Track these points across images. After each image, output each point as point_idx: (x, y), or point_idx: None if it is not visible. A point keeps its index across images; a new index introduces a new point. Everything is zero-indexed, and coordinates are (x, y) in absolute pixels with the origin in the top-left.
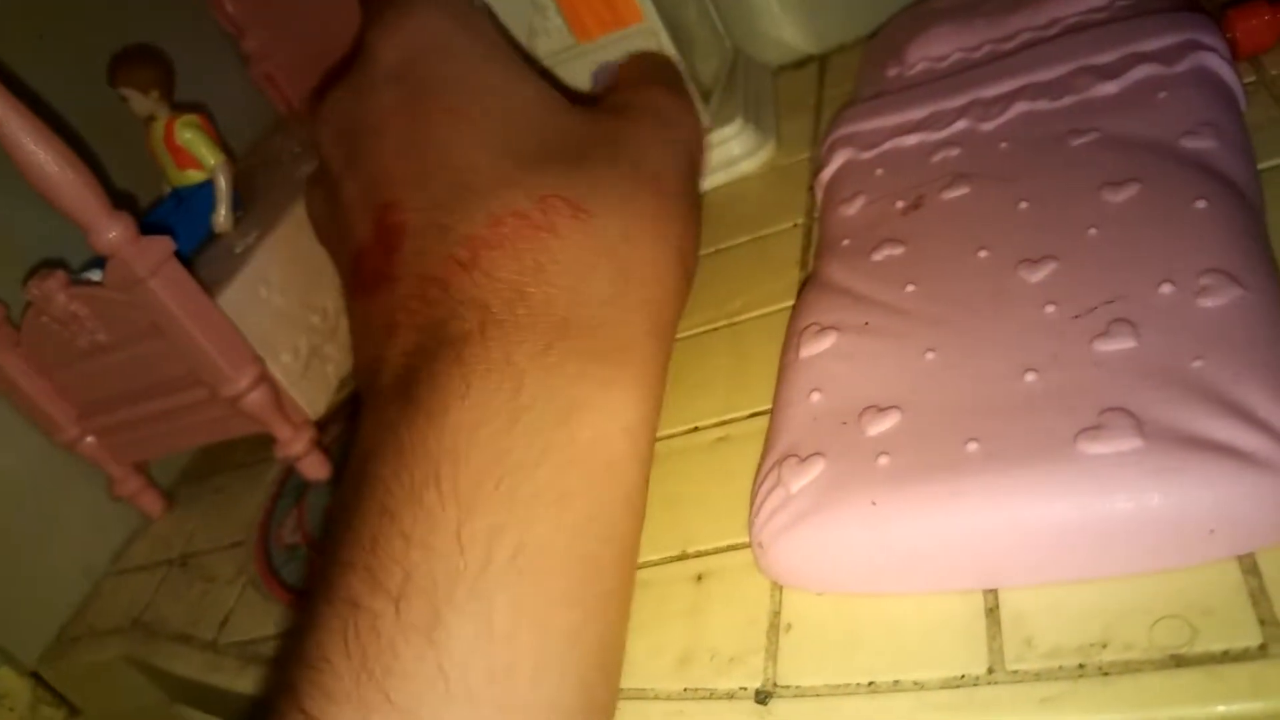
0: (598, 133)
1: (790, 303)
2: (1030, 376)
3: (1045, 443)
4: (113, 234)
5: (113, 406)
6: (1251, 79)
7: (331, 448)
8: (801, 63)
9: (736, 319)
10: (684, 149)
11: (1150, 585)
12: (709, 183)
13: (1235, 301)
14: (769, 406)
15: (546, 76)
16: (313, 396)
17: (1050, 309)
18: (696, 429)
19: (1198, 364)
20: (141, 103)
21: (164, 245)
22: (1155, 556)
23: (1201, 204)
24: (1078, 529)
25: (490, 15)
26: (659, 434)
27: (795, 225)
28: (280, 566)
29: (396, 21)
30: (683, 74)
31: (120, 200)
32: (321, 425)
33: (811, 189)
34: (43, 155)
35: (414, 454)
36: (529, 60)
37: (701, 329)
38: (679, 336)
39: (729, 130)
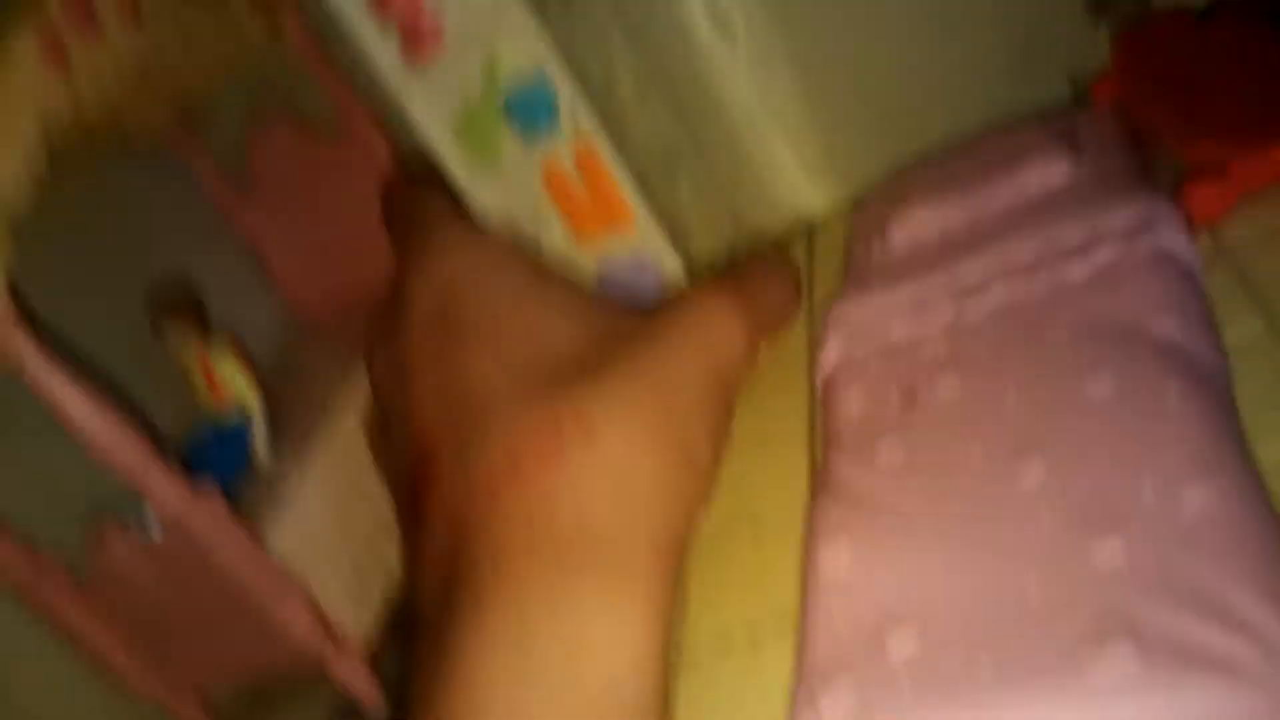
0: (620, 347)
1: (803, 495)
2: (1032, 588)
3: (1050, 665)
4: (170, 495)
5: (166, 640)
6: (1209, 246)
7: (382, 669)
8: (794, 230)
9: (753, 512)
10: (716, 357)
11: None
12: None
13: (1213, 500)
14: (795, 611)
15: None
16: (361, 620)
17: (1044, 515)
18: (723, 638)
19: (1187, 570)
20: (177, 337)
21: (216, 500)
22: None
23: (1174, 397)
24: None
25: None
26: (683, 644)
27: (798, 411)
28: None
29: (429, 265)
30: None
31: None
32: (372, 648)
33: (811, 370)
34: (97, 425)
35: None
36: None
37: (720, 526)
38: (702, 539)
39: None
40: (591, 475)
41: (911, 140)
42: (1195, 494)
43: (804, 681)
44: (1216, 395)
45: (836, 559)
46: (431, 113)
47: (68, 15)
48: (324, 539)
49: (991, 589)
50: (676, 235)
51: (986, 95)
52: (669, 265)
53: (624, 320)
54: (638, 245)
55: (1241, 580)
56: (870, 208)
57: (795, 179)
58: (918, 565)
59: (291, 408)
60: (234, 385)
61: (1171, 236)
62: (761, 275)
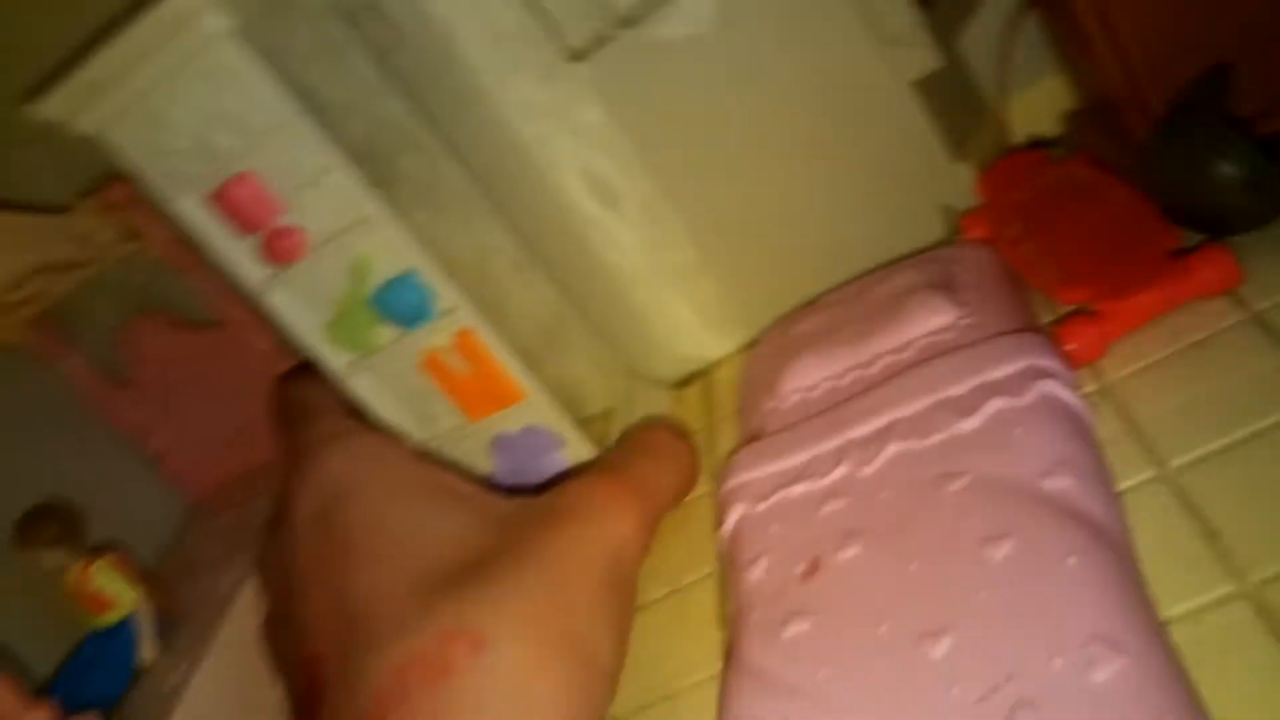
0: (509, 545)
1: (717, 668)
2: None
3: None
4: None
5: None
6: (1093, 388)
7: None
8: (688, 379)
9: (669, 690)
10: (609, 548)
11: None
12: None
13: (1121, 672)
14: None
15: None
16: None
17: (955, 691)
18: None
19: None
20: (50, 558)
21: None
22: None
23: (1072, 560)
24: None
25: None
26: None
27: (709, 574)
28: None
29: (309, 473)
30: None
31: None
32: None
33: (717, 528)
34: None
35: None
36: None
37: (637, 704)
38: (618, 716)
39: None
40: (483, 691)
41: (804, 282)
42: (1103, 667)
43: None
44: (1116, 552)
45: None
46: (298, 313)
47: None
48: None
49: None
50: (571, 401)
51: (867, 236)
52: (565, 433)
53: (515, 513)
54: (531, 418)
55: None
56: (759, 356)
57: (691, 331)
58: None
59: (189, 610)
60: (114, 594)
61: (1057, 386)
62: (651, 452)
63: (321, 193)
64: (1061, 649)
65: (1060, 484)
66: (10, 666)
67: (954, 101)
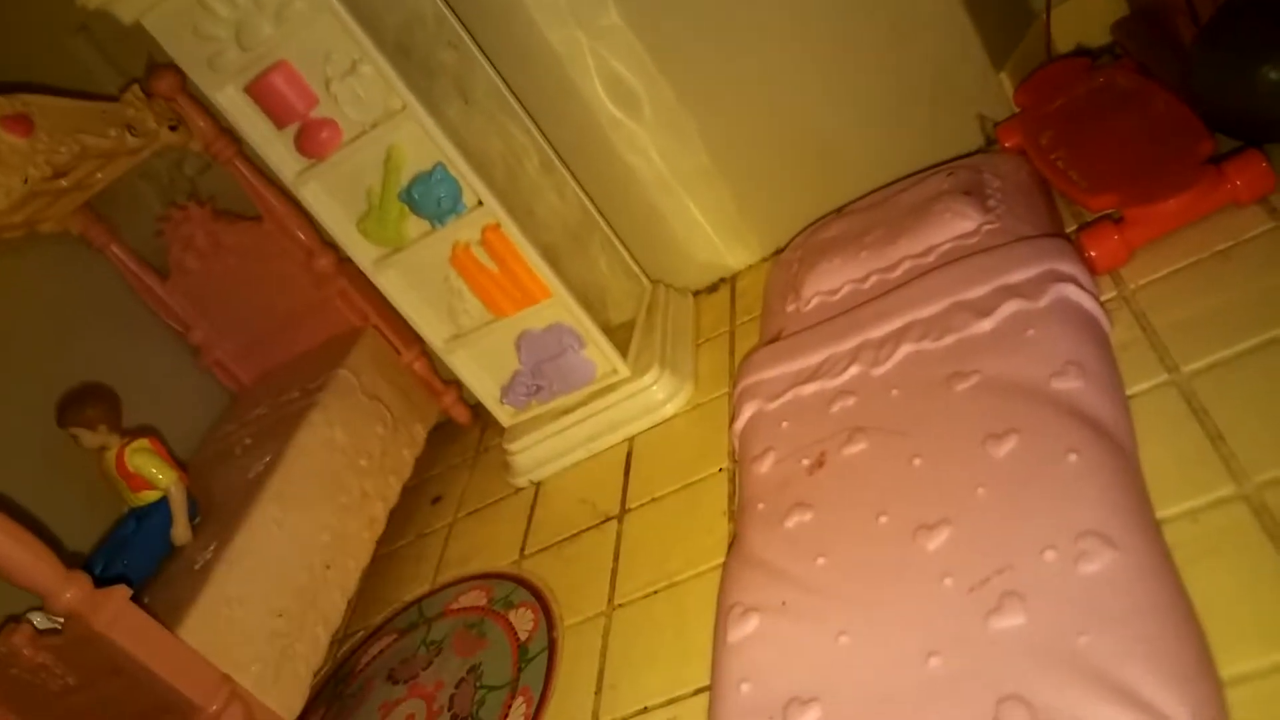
0: None
1: (722, 559)
2: (934, 661)
3: None
4: (68, 596)
5: None
6: (1112, 294)
7: None
8: (714, 285)
9: (675, 579)
10: None
11: None
12: (635, 428)
13: (1112, 566)
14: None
15: None
16: (287, 699)
17: (948, 581)
18: (646, 710)
19: (1083, 640)
20: (90, 438)
21: (118, 597)
22: None
23: (1073, 457)
24: None
25: None
26: (613, 715)
27: (720, 470)
28: None
29: None
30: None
31: (77, 528)
32: None
33: (730, 429)
34: None
35: None
36: None
37: (644, 592)
38: (623, 602)
39: (648, 378)
40: None
41: (829, 194)
42: (1093, 560)
43: None
44: (1118, 452)
45: (742, 627)
46: (332, 206)
47: None
48: (246, 622)
49: (895, 664)
50: (595, 304)
51: (898, 146)
52: (589, 333)
53: None
54: (556, 316)
55: (1144, 658)
56: (785, 262)
57: (711, 239)
58: (822, 642)
59: (220, 494)
60: (149, 474)
61: (1075, 290)
62: None
63: (356, 83)
64: (1054, 542)
65: (1069, 384)
66: (50, 542)
67: (1001, 8)
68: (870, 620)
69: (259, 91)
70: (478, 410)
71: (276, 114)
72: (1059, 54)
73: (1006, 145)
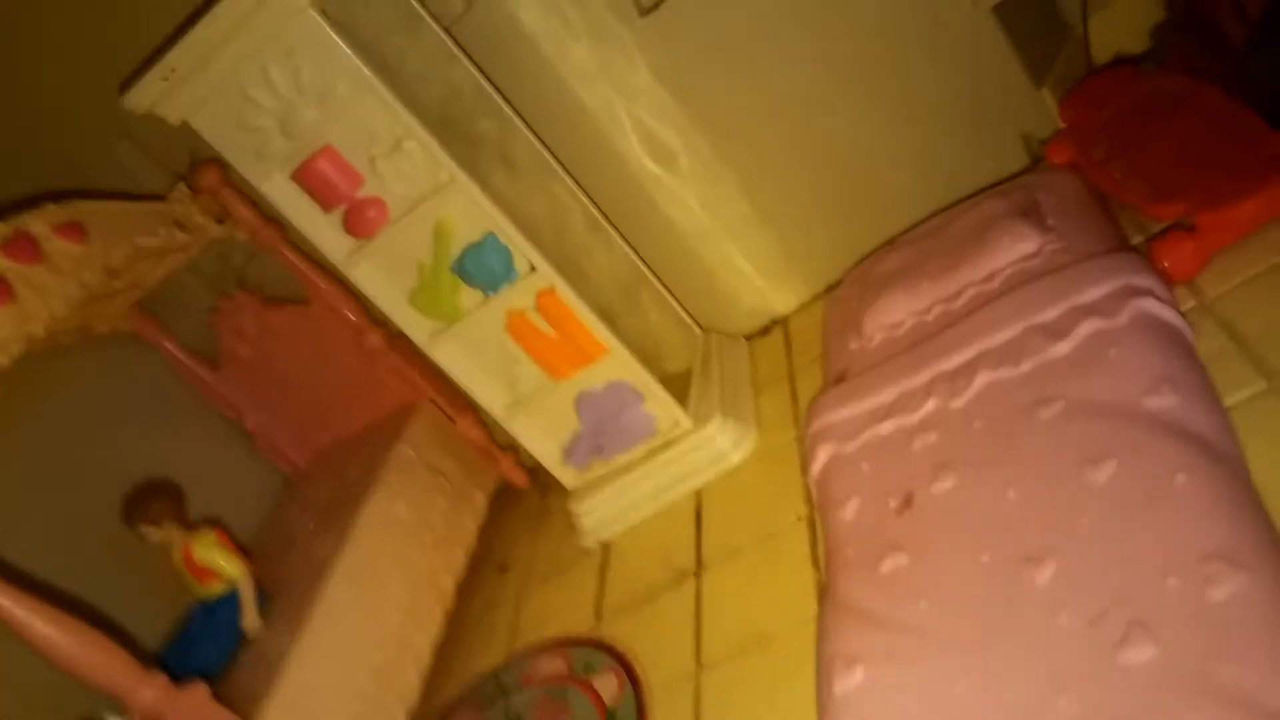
0: None
1: (811, 607)
2: (1063, 701)
3: None
4: (147, 695)
5: None
6: (1191, 304)
7: None
8: (766, 327)
9: (765, 633)
10: None
11: None
12: (702, 479)
13: (1244, 589)
14: None
15: None
16: None
17: (1063, 616)
18: None
19: (1225, 669)
20: (157, 535)
21: (198, 694)
22: None
23: (1181, 477)
24: None
25: None
26: None
27: (798, 518)
28: None
29: None
30: None
31: (144, 626)
32: None
33: (805, 470)
34: (61, 639)
35: None
36: None
37: (732, 649)
38: (711, 661)
39: (711, 427)
40: None
41: (875, 227)
42: (1223, 585)
43: None
44: (1227, 467)
45: (847, 678)
46: (383, 283)
47: (9, 252)
48: (324, 706)
49: (1022, 708)
50: (650, 357)
51: (943, 172)
52: (648, 387)
53: None
54: (614, 374)
55: None
56: (842, 299)
57: (757, 284)
58: (936, 689)
59: (287, 579)
60: (217, 565)
61: (1154, 303)
62: None
63: (401, 159)
64: (1176, 568)
65: (1163, 402)
66: (123, 640)
67: (1035, 24)
68: (986, 663)
69: (305, 177)
70: (535, 473)
71: (323, 197)
72: (1099, 65)
73: (1056, 162)
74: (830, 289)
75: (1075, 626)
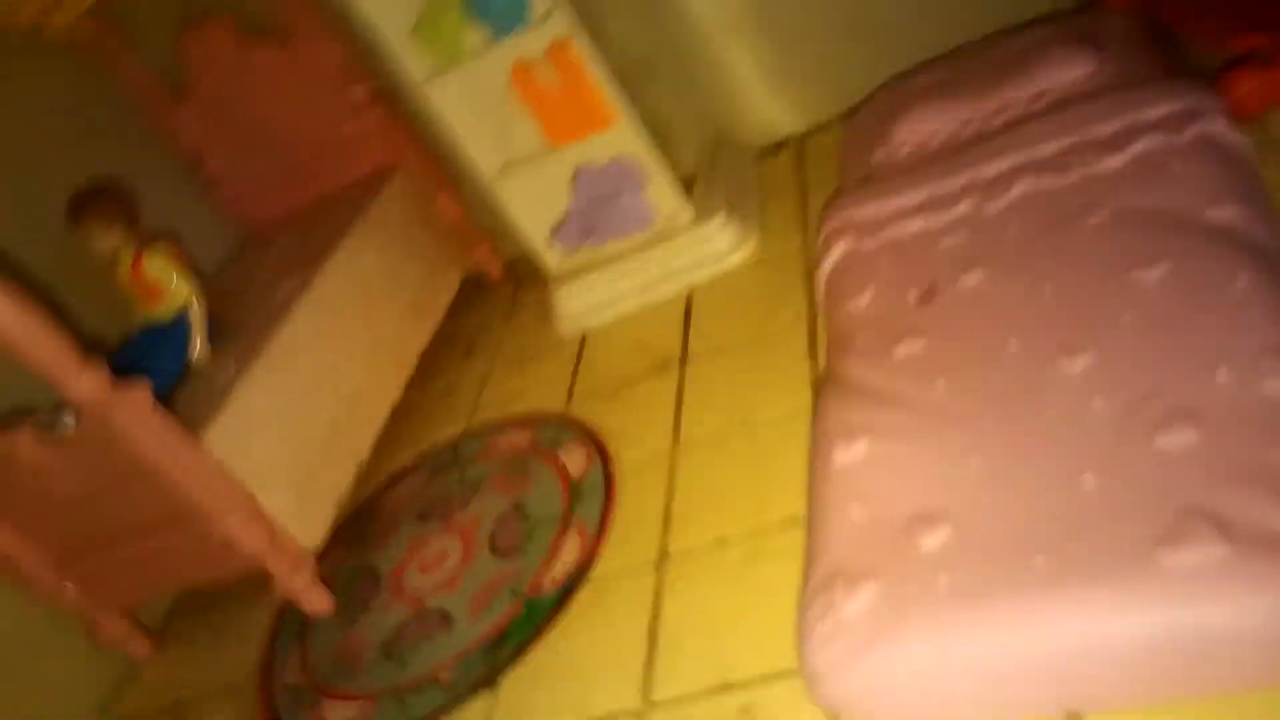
0: None
1: (804, 399)
2: (1089, 479)
3: (1120, 553)
4: (85, 384)
5: (94, 552)
6: (1258, 141)
7: (332, 577)
8: (779, 145)
9: (752, 419)
10: None
11: (1253, 707)
12: (696, 278)
13: None
14: (800, 513)
15: None
16: (310, 525)
17: (1098, 402)
18: (723, 540)
19: (1272, 453)
20: (104, 239)
21: (141, 392)
22: (1255, 672)
23: (1243, 280)
24: (1166, 646)
25: None
26: (680, 554)
27: (796, 316)
28: (284, 711)
29: None
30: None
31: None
32: (321, 554)
33: (809, 277)
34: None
35: None
36: None
37: (713, 431)
38: (690, 441)
39: (714, 224)
40: None
41: (899, 58)
42: (1278, 378)
43: (820, 585)
44: None
45: (849, 450)
46: (382, 9)
47: None
48: (269, 443)
49: (1041, 482)
50: (659, 144)
51: (983, 4)
52: (653, 170)
53: None
54: (619, 148)
55: None
56: (866, 114)
57: (763, 97)
58: (947, 462)
59: (241, 319)
60: (169, 285)
61: (1222, 126)
62: None
63: None
64: (1230, 361)
65: (1225, 214)
66: (69, 333)
67: None
68: (1004, 440)
69: None
70: (511, 267)
71: None
72: None
73: (1113, 2)
74: (853, 109)
75: (1109, 412)
